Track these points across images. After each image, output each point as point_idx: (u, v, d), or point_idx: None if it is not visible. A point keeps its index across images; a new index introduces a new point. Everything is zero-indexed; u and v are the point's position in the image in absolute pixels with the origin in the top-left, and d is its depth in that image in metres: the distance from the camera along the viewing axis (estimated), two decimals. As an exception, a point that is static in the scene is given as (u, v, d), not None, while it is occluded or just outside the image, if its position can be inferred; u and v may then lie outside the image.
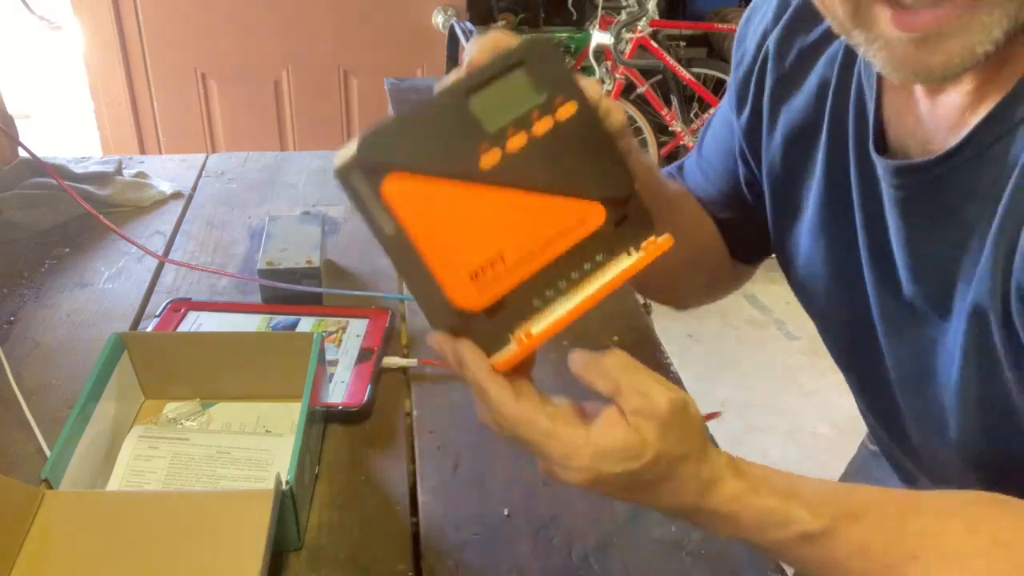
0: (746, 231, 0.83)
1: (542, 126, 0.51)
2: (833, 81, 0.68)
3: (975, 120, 0.56)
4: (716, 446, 0.56)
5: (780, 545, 0.53)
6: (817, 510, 0.52)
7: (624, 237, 0.54)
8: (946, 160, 0.58)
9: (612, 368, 0.52)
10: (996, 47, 0.51)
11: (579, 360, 0.53)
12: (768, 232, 0.81)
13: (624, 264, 0.54)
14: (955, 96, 0.58)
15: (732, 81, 0.80)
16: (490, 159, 0.50)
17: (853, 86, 0.67)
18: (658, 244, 0.54)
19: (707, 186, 0.84)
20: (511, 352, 0.52)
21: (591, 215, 0.53)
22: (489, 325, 0.52)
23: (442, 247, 0.50)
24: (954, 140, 0.57)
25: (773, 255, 0.82)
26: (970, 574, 0.49)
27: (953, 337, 0.61)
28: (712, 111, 0.86)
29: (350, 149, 0.48)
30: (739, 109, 0.78)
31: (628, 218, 0.54)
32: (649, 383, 0.51)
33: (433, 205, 0.50)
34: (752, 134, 0.77)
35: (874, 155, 0.63)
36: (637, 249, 0.54)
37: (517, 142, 0.51)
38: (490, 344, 0.52)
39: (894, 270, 0.65)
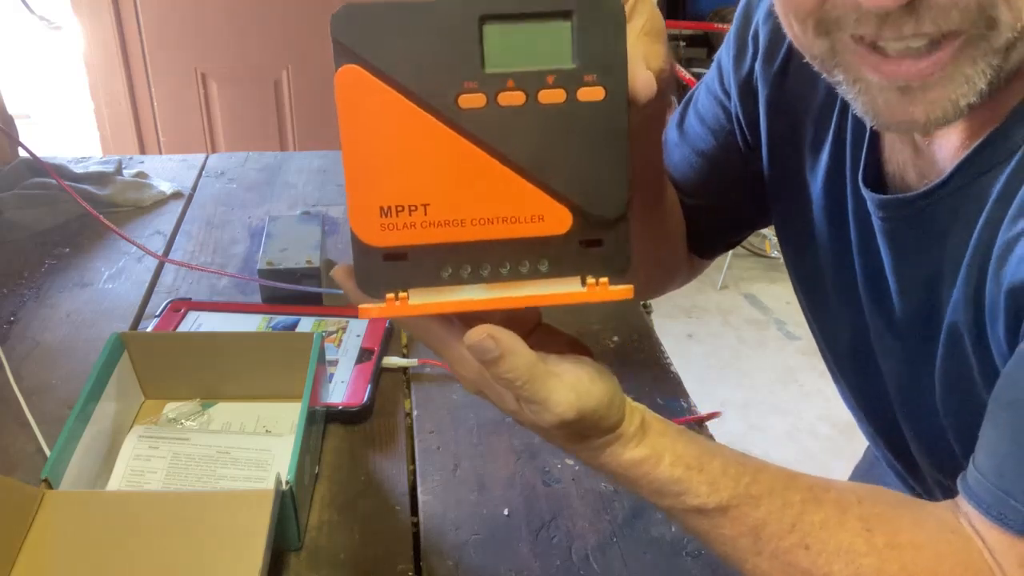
0: (713, 221, 0.80)
1: (551, 96, 0.43)
2: (839, 100, 0.67)
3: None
4: (628, 408, 0.53)
5: (673, 511, 0.54)
6: (718, 487, 0.52)
7: (583, 262, 0.46)
8: (929, 195, 0.58)
9: (517, 367, 0.47)
10: (980, 98, 0.50)
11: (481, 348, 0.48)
12: (733, 223, 0.80)
13: (565, 289, 0.46)
14: (951, 133, 0.58)
15: (731, 36, 0.76)
16: (471, 101, 0.43)
17: (851, 112, 0.65)
18: (612, 291, 0.46)
19: (684, 167, 0.79)
20: (376, 307, 0.46)
21: (554, 218, 0.45)
22: (381, 267, 0.45)
23: (365, 163, 0.44)
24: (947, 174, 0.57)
25: (730, 252, 0.81)
26: (857, 570, 0.51)
27: (937, 360, 0.62)
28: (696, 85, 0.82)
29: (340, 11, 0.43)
30: (738, 62, 0.75)
31: (603, 245, 0.46)
32: (546, 393, 0.48)
33: (380, 117, 0.44)
34: (748, 98, 0.74)
35: (863, 188, 0.64)
36: (592, 283, 0.46)
37: (512, 99, 0.43)
38: (367, 283, 0.46)
39: (888, 293, 0.66)
